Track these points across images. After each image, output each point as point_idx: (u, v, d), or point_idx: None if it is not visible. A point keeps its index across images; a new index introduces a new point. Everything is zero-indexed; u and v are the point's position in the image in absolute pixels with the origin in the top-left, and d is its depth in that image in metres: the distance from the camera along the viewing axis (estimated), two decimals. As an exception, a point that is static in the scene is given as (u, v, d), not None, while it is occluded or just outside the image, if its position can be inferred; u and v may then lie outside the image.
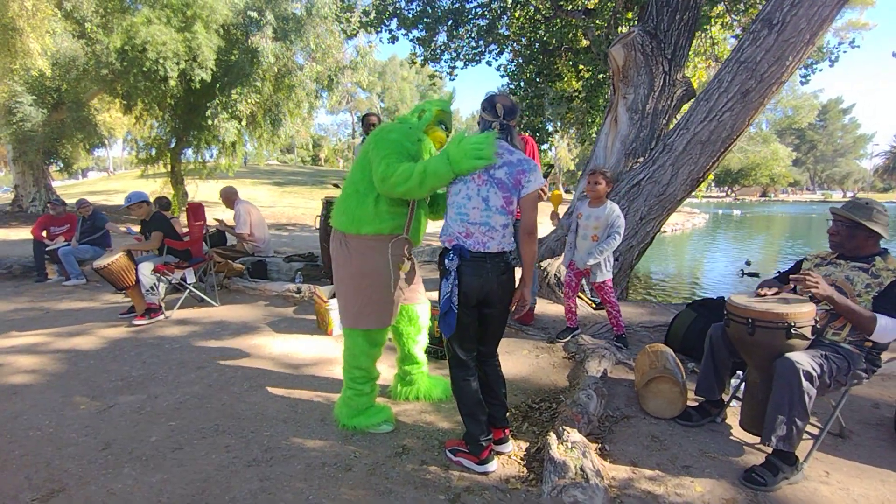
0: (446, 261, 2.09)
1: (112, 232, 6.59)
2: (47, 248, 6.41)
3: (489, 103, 2.21)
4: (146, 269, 4.49)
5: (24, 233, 10.02)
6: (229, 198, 6.07)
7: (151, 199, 5.04)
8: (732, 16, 9.05)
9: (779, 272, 2.62)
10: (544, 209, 4.93)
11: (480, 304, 2.15)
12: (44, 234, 6.52)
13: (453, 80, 11.46)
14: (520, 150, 2.19)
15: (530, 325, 4.27)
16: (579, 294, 4.86)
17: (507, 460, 2.28)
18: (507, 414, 2.39)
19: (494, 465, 2.19)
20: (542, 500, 1.97)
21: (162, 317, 4.60)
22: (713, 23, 9.08)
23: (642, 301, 6.16)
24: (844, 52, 9.94)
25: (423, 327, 2.85)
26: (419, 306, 2.79)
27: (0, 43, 8.70)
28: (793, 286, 2.40)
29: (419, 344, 2.85)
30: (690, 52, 7.51)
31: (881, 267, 2.23)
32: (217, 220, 6.32)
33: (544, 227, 7.59)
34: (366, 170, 2.37)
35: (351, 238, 2.39)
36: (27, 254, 6.98)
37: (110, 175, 35.25)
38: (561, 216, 4.09)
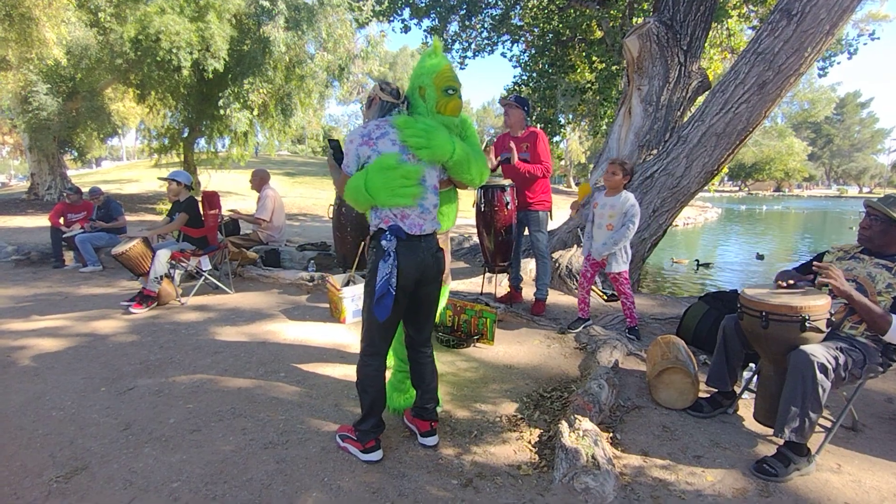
0: (383, 241, 2.04)
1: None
2: (64, 235, 6.53)
3: (386, 83, 2.23)
4: (163, 257, 4.55)
5: (40, 220, 10.20)
6: (263, 179, 6.03)
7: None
8: (750, 6, 8.91)
9: (801, 264, 2.59)
10: (559, 202, 4.94)
11: (417, 284, 2.13)
12: (61, 221, 6.64)
13: (463, 69, 11.40)
14: None
15: (542, 315, 4.28)
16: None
17: (519, 447, 2.30)
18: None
19: (380, 455, 2.16)
20: (554, 485, 1.99)
21: (178, 303, 4.68)
22: (730, 14, 8.94)
23: (654, 293, 6.14)
24: (865, 44, 9.78)
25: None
26: None
27: (17, 32, 8.78)
28: (812, 276, 2.38)
29: None
30: (706, 44, 7.42)
31: None
32: (231, 211, 6.37)
33: (557, 219, 7.57)
34: None
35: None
36: (45, 241, 7.11)
37: (148, 158, 35.98)
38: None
